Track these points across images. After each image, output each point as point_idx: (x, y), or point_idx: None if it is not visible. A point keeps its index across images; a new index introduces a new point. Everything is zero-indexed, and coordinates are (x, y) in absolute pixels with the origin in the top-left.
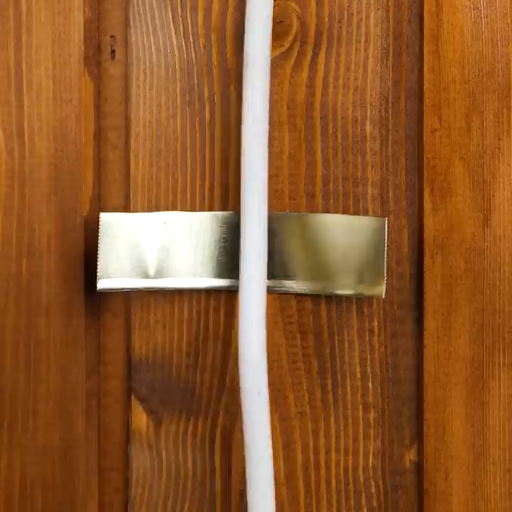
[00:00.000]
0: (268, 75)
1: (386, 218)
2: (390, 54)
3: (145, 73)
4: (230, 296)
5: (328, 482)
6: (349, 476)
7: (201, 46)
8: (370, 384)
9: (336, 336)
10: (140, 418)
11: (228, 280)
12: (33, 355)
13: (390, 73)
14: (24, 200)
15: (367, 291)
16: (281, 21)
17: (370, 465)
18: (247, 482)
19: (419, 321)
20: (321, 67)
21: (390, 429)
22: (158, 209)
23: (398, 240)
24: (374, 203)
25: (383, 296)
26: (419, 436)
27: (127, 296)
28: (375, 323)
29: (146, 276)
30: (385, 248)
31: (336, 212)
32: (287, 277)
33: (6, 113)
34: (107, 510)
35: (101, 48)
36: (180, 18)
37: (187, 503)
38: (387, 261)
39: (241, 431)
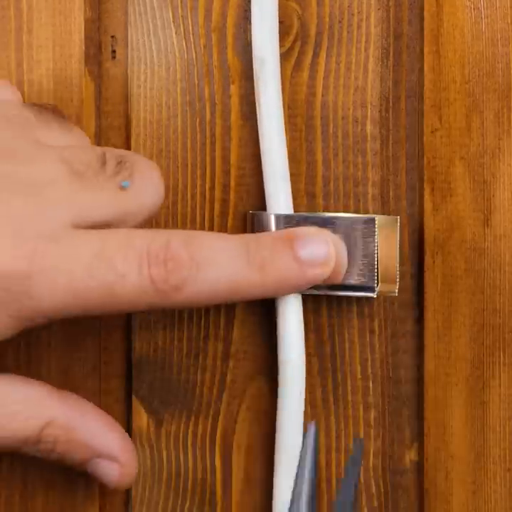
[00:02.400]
0: (279, 74)
1: (398, 217)
2: (391, 54)
3: (145, 73)
4: None
5: (329, 482)
6: None
7: (202, 46)
8: (370, 384)
9: (336, 336)
10: (141, 418)
11: None
12: (34, 354)
13: (391, 73)
14: None
15: (381, 289)
16: (281, 21)
17: (371, 465)
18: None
19: (420, 320)
20: (321, 67)
21: (391, 429)
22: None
23: (399, 239)
24: (374, 202)
25: (396, 294)
26: (419, 436)
27: None
28: (376, 323)
29: None
30: (397, 246)
31: (337, 212)
32: None
33: None
34: (107, 510)
35: (102, 48)
36: (180, 18)
37: (187, 503)
38: (398, 259)
39: (241, 431)
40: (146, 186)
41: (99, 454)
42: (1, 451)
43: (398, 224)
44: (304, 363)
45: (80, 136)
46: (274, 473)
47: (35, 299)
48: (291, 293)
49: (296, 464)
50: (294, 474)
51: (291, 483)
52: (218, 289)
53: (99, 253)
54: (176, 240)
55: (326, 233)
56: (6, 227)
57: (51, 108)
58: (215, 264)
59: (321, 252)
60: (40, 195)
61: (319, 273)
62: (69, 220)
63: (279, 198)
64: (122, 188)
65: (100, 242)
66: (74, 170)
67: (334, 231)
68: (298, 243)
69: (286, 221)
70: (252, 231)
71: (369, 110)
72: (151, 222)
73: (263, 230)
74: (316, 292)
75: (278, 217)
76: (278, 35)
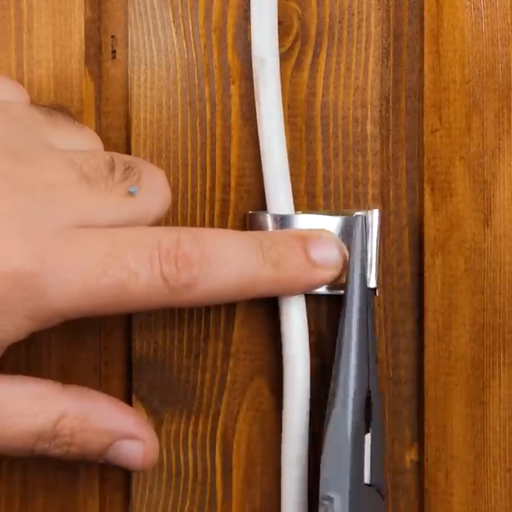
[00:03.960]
0: (279, 73)
1: (375, 210)
2: (391, 54)
3: (146, 73)
4: None
5: None
6: None
7: (202, 46)
8: None
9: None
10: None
11: None
12: (34, 354)
13: (391, 73)
14: None
15: None
16: (281, 21)
17: None
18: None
19: (420, 320)
20: (321, 67)
21: (391, 429)
22: None
23: (398, 239)
24: (374, 202)
25: (375, 289)
26: (419, 436)
27: None
28: (376, 323)
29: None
30: (375, 241)
31: (337, 212)
32: None
33: None
34: (107, 509)
35: (102, 48)
36: (180, 18)
37: (187, 503)
38: (378, 256)
39: (241, 431)
40: (153, 193)
41: (118, 435)
42: (17, 453)
43: (377, 217)
44: (309, 362)
45: (91, 136)
46: (282, 465)
47: (50, 298)
48: (299, 293)
49: (303, 464)
50: (296, 472)
51: (293, 483)
52: (230, 286)
53: (111, 251)
54: (186, 236)
55: (335, 236)
56: (17, 227)
57: (59, 109)
58: (227, 260)
59: (333, 256)
60: (49, 197)
61: (329, 275)
62: (76, 222)
63: (280, 198)
64: (130, 193)
65: (112, 240)
66: (83, 174)
67: (334, 231)
68: (311, 244)
69: (285, 221)
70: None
71: (369, 110)
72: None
73: (263, 230)
74: (314, 292)
75: (277, 217)
76: (277, 34)
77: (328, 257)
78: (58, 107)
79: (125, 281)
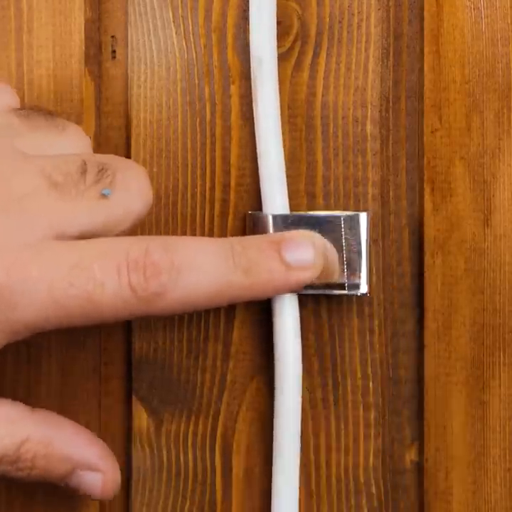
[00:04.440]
0: (276, 74)
1: (365, 212)
2: (391, 54)
3: (146, 73)
4: None
5: (329, 482)
6: (349, 475)
7: (202, 46)
8: (370, 383)
9: (336, 336)
10: (141, 418)
11: None
12: (34, 355)
13: (391, 73)
14: None
15: (349, 290)
16: (281, 21)
17: (371, 465)
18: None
19: (420, 320)
20: (321, 67)
21: (391, 429)
22: (158, 209)
23: (398, 239)
24: (374, 202)
25: (366, 294)
26: (419, 436)
27: None
28: (376, 323)
29: None
30: (364, 243)
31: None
32: None
33: None
34: (107, 509)
35: (102, 48)
36: (180, 18)
37: (187, 503)
38: (367, 257)
39: (241, 431)
40: (130, 192)
41: (80, 465)
42: None
43: (365, 220)
44: (300, 361)
45: (74, 137)
46: (273, 472)
47: (18, 310)
48: (275, 295)
49: (295, 463)
50: (293, 474)
51: (291, 484)
52: (201, 293)
53: (78, 262)
54: (154, 245)
55: (313, 236)
56: None
57: (40, 110)
58: (197, 268)
59: (307, 256)
60: (22, 209)
61: (307, 276)
62: (49, 232)
63: (276, 200)
64: (103, 196)
65: (79, 252)
66: (53, 181)
67: (329, 229)
68: (285, 246)
69: (282, 221)
70: (252, 231)
71: (369, 110)
72: (152, 222)
73: (261, 230)
74: (303, 292)
75: (274, 217)
76: (276, 34)
77: (303, 258)
78: (38, 108)
79: (91, 292)
